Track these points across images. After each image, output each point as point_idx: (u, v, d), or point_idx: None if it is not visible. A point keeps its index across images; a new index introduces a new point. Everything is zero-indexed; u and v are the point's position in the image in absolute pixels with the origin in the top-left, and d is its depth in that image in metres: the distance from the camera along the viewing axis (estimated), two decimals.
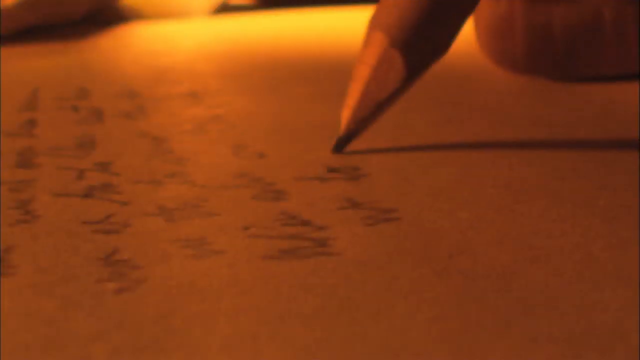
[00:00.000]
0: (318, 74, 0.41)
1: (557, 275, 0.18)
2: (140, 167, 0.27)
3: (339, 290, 0.18)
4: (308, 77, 0.40)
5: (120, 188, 0.25)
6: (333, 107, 0.33)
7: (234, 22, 0.65)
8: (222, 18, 0.68)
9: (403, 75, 0.24)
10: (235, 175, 0.25)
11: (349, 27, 0.49)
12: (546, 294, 0.17)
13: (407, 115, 0.31)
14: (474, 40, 0.39)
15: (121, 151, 0.29)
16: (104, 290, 0.18)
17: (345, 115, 0.25)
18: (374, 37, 0.24)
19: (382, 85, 0.24)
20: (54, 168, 0.27)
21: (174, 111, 0.33)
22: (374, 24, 0.24)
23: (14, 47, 0.55)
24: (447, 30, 0.24)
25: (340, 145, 0.26)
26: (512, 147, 0.27)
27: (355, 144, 0.27)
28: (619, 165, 0.25)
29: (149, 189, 0.25)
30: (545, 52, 0.35)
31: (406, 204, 0.22)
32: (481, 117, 0.31)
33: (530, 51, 0.35)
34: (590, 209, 0.22)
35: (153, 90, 0.38)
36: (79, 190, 0.25)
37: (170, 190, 0.24)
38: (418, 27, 0.24)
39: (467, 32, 0.39)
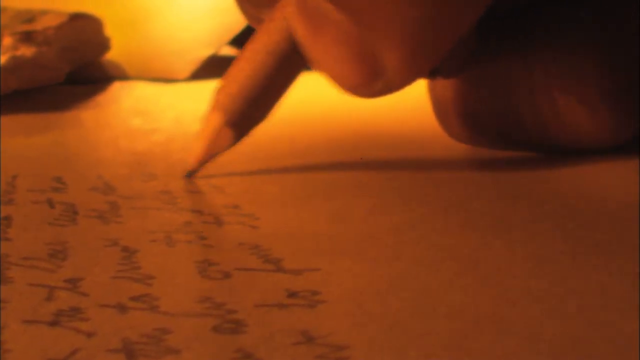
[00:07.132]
0: (307, 159, 0.41)
1: None
2: (108, 286, 0.28)
3: None
4: (290, 168, 0.41)
5: (87, 313, 0.26)
6: (318, 213, 0.33)
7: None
8: (205, 82, 0.69)
9: (232, 141, 0.37)
10: (199, 300, 0.26)
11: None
12: None
13: (372, 218, 0.32)
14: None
15: (91, 264, 0.29)
16: None
17: (191, 159, 0.39)
18: (215, 115, 0.37)
19: (217, 147, 0.37)
20: (26, 284, 0.28)
21: (146, 214, 0.34)
22: (217, 105, 0.36)
23: None
24: (268, 109, 0.36)
25: (189, 175, 0.39)
26: (470, 261, 0.28)
27: (321, 261, 0.28)
28: (574, 281, 0.26)
29: (114, 315, 0.25)
30: (481, 136, 0.38)
31: (358, 340, 0.23)
32: (443, 216, 0.32)
33: (467, 133, 0.38)
34: (536, 344, 0.23)
35: (128, 184, 0.38)
36: (47, 316, 0.26)
37: (134, 318, 0.25)
38: (247, 112, 0.36)
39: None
